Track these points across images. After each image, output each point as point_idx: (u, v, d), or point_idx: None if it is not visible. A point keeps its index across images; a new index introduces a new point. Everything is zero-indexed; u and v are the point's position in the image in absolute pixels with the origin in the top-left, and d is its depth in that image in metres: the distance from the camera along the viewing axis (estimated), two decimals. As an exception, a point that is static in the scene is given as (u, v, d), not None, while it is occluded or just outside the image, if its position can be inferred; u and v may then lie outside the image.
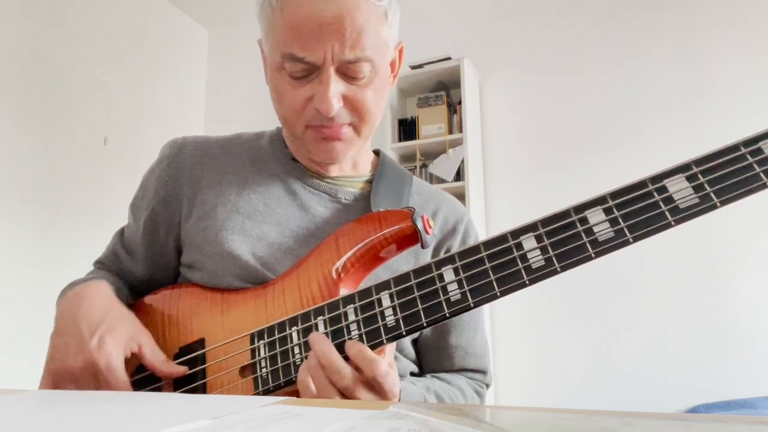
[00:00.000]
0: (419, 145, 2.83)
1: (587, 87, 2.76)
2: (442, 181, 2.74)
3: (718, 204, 0.47)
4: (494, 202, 2.86)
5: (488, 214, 2.85)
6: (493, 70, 2.97)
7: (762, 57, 2.50)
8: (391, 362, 0.57)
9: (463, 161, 2.69)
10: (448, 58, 2.81)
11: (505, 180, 2.87)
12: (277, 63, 0.66)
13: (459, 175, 2.71)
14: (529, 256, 0.52)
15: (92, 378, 0.59)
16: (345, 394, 0.54)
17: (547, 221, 0.52)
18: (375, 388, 0.54)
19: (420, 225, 0.62)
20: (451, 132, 2.81)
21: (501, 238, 0.53)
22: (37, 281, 2.42)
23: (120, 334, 0.61)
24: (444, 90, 2.91)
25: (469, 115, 2.74)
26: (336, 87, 0.64)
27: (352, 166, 0.79)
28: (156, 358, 0.63)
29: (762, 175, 0.47)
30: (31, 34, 2.60)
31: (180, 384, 0.64)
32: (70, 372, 0.60)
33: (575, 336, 2.60)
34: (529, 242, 0.52)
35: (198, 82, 3.69)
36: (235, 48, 3.67)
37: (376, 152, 0.85)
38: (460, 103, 2.78)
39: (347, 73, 0.65)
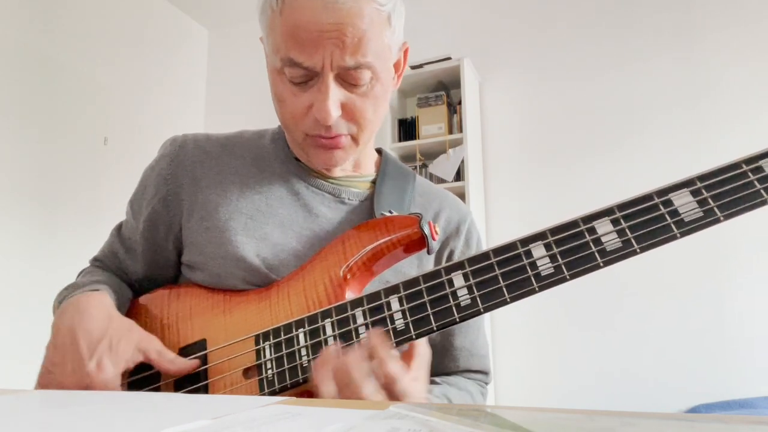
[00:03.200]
0: (419, 145, 2.83)
1: (587, 87, 2.76)
2: (442, 181, 2.74)
3: (722, 218, 0.50)
4: (494, 202, 2.86)
5: (488, 214, 2.85)
6: (493, 70, 2.97)
7: (763, 58, 2.49)
8: (417, 377, 0.55)
9: (463, 161, 2.69)
10: (448, 58, 2.81)
11: (505, 180, 2.87)
12: (276, 67, 0.65)
13: (459, 175, 2.71)
14: (538, 263, 0.53)
15: None
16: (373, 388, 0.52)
17: (556, 230, 0.53)
18: (374, 389, 0.53)
19: (427, 231, 0.63)
20: (451, 132, 2.81)
21: (510, 246, 0.54)
22: (36, 281, 2.42)
23: (120, 352, 0.60)
24: (444, 90, 2.91)
25: (469, 115, 2.74)
26: (335, 95, 0.63)
27: (354, 166, 0.78)
28: (164, 359, 0.62)
29: (763, 192, 0.50)
30: (31, 34, 2.60)
31: (181, 385, 0.64)
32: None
33: (575, 336, 2.60)
34: (538, 250, 0.53)
35: (198, 82, 3.69)
36: (235, 48, 3.67)
37: (379, 151, 0.84)
38: (460, 103, 2.78)
39: (347, 79, 0.64)
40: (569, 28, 2.85)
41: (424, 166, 2.89)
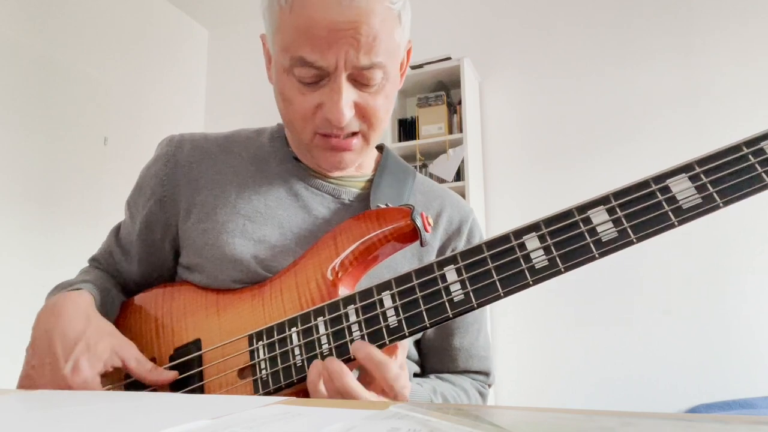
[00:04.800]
0: (419, 145, 2.83)
1: (587, 87, 2.76)
2: (442, 181, 2.74)
3: (721, 204, 0.47)
4: (494, 202, 2.86)
5: (488, 214, 2.85)
6: (493, 70, 2.97)
7: (762, 58, 2.50)
8: (402, 363, 0.56)
9: (463, 161, 2.69)
10: (448, 58, 2.81)
11: (505, 180, 2.87)
12: (284, 66, 0.62)
13: (459, 175, 2.71)
14: (532, 256, 0.51)
15: None
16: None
17: (549, 221, 0.52)
18: (385, 390, 0.53)
19: (419, 223, 0.61)
20: (451, 132, 2.81)
21: (504, 238, 0.53)
22: (36, 281, 2.42)
23: (97, 353, 0.59)
24: (444, 90, 2.91)
25: (469, 115, 2.74)
26: (348, 95, 0.61)
27: (356, 166, 0.76)
28: (142, 368, 0.61)
29: (764, 175, 0.47)
30: (31, 34, 2.60)
31: (176, 387, 0.63)
32: None
33: (575, 336, 2.60)
34: (532, 242, 0.52)
35: (198, 82, 3.69)
36: (235, 48, 3.67)
37: (380, 147, 0.82)
38: (460, 103, 2.78)
39: (359, 79, 0.62)
40: (569, 28, 2.85)
41: (424, 166, 2.89)
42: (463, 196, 2.63)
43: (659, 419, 0.31)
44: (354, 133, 0.66)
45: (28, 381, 0.60)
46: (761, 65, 2.49)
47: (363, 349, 0.54)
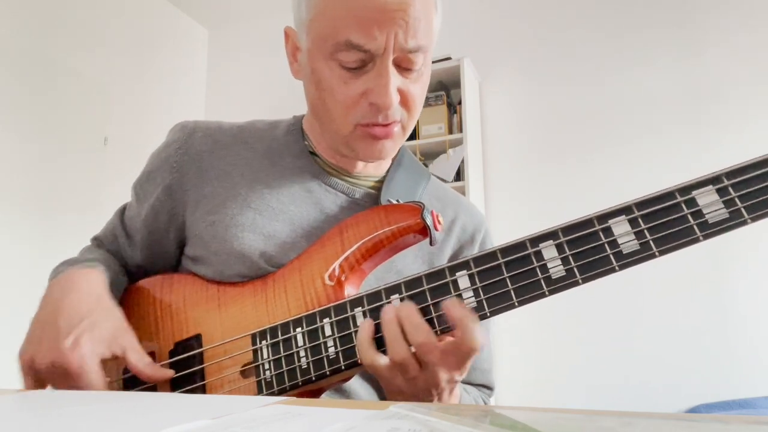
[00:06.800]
0: (419, 145, 2.83)
1: (587, 87, 2.76)
2: (442, 181, 2.73)
3: (749, 220, 0.45)
4: (494, 202, 2.86)
5: (488, 215, 2.85)
6: (493, 70, 2.97)
7: (763, 58, 2.49)
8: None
9: (463, 161, 2.69)
10: (448, 58, 2.80)
11: (505, 180, 2.87)
12: (326, 52, 0.61)
13: (459, 175, 2.71)
14: (549, 265, 0.50)
15: (61, 378, 0.55)
16: (420, 355, 0.50)
17: (568, 229, 0.50)
18: (453, 361, 0.50)
19: (429, 221, 0.59)
20: (451, 132, 2.81)
21: (519, 245, 0.51)
22: (36, 281, 2.41)
23: (100, 334, 0.57)
24: (444, 90, 2.91)
25: (469, 115, 2.74)
26: (395, 79, 0.60)
27: (376, 163, 0.75)
28: (140, 362, 0.59)
29: None
30: (32, 34, 2.60)
31: (177, 385, 0.62)
32: (37, 367, 0.56)
33: (575, 336, 2.60)
34: (549, 251, 0.50)
35: (198, 81, 3.69)
36: (235, 48, 3.67)
37: None
38: (460, 103, 2.78)
39: (402, 64, 0.61)
40: (569, 28, 2.85)
41: (425, 166, 2.88)
42: (463, 195, 2.63)
43: (659, 419, 0.31)
44: (394, 122, 0.64)
45: (26, 352, 0.58)
46: (762, 65, 2.49)
47: (461, 309, 0.50)
